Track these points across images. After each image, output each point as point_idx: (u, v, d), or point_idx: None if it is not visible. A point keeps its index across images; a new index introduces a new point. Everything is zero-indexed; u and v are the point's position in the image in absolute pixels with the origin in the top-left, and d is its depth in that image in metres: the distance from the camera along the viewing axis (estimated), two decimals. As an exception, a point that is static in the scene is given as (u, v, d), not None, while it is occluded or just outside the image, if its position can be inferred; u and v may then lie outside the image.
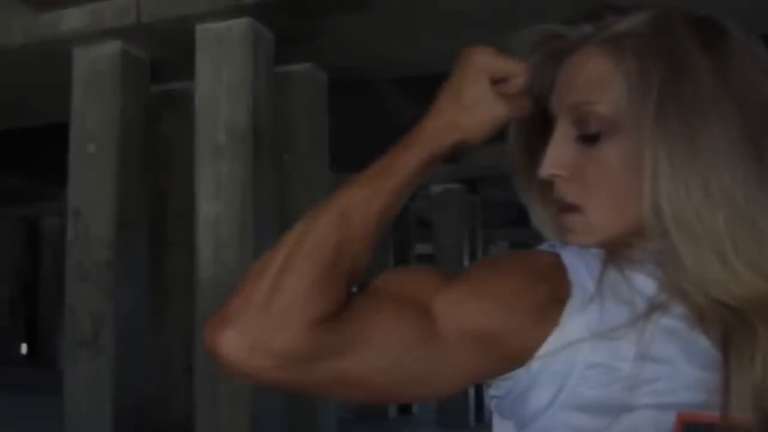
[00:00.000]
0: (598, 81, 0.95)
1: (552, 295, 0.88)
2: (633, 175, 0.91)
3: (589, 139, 0.95)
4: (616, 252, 0.93)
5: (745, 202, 0.87)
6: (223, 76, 5.65)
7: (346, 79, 6.94)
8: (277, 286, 0.82)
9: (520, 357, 0.89)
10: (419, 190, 12.06)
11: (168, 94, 6.80)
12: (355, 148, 7.87)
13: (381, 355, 0.85)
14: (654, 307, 0.88)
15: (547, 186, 1.03)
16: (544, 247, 0.98)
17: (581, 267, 0.91)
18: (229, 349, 0.81)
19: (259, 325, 0.81)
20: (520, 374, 0.90)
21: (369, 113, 8.49)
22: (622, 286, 0.89)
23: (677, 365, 0.87)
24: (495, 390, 0.95)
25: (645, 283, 0.90)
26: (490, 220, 13.80)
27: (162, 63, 6.37)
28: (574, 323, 0.87)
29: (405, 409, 12.77)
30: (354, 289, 0.90)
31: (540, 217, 1.09)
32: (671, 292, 0.89)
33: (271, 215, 5.77)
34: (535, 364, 0.88)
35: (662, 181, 0.88)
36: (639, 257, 0.91)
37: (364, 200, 0.89)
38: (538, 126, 1.06)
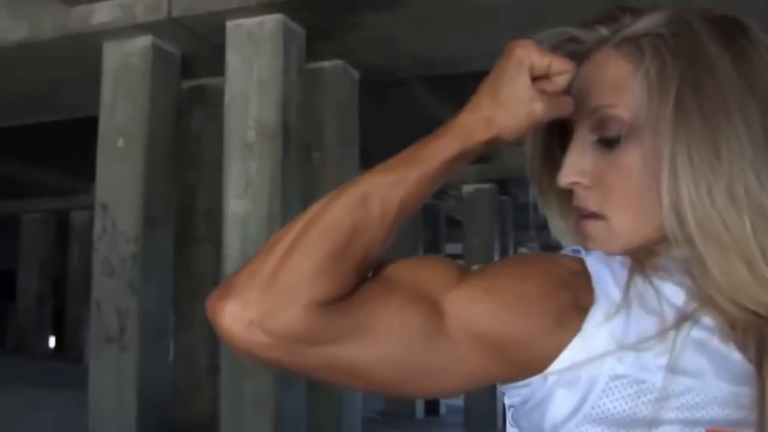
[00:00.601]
0: (616, 84, 0.93)
1: (574, 303, 0.85)
2: (654, 180, 0.89)
3: (609, 144, 0.93)
4: (641, 260, 0.90)
5: None
6: (253, 72, 5.65)
7: (377, 77, 6.93)
8: (284, 263, 0.81)
9: (535, 365, 0.86)
10: (450, 189, 12.05)
11: (198, 90, 6.82)
12: (384, 146, 7.93)
13: (383, 346, 0.84)
14: (683, 318, 0.84)
15: (566, 194, 1.01)
16: (567, 251, 0.95)
17: (606, 274, 0.88)
18: (228, 320, 0.80)
19: (261, 302, 0.80)
20: (537, 383, 0.87)
21: (398, 112, 8.48)
22: (650, 296, 0.85)
23: (708, 379, 0.83)
24: (510, 398, 0.93)
25: (674, 293, 0.86)
26: (520, 222, 13.75)
27: (193, 58, 6.38)
28: (598, 333, 0.84)
29: (432, 410, 12.78)
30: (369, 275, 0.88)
31: (560, 227, 1.07)
32: (700, 301, 0.86)
33: (299, 213, 5.67)
34: (553, 374, 0.86)
35: (682, 184, 0.85)
36: (665, 265, 0.88)
37: (387, 186, 0.87)
38: (556, 133, 1.04)
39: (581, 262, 0.90)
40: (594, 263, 0.89)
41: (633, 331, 0.83)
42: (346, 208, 0.85)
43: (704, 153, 0.85)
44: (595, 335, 0.84)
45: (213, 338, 6.05)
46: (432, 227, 12.90)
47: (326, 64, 6.50)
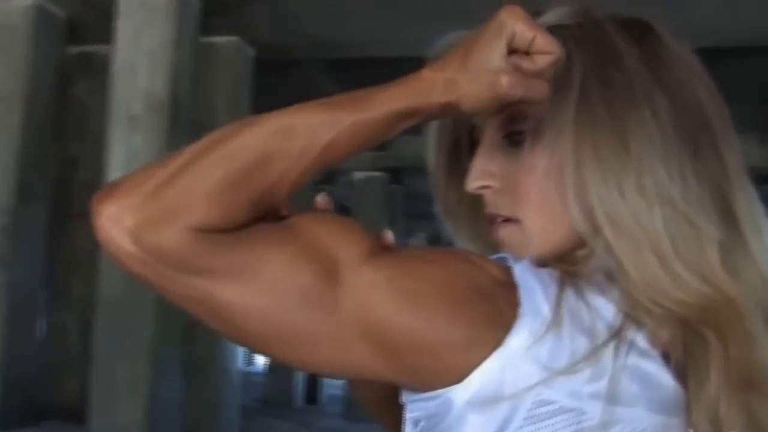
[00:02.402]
0: None
1: (493, 316, 0.78)
2: (562, 177, 0.85)
3: (518, 143, 0.90)
4: (569, 271, 0.84)
5: (682, 198, 0.82)
6: (143, 41, 5.51)
7: (274, 56, 6.88)
8: (175, 176, 0.75)
9: (437, 378, 0.78)
10: (340, 175, 12.01)
11: (85, 57, 6.69)
12: None
13: (261, 296, 0.76)
14: (614, 334, 0.79)
15: (475, 203, 0.97)
16: (493, 257, 0.87)
17: (536, 287, 0.80)
18: (104, 223, 0.75)
19: (140, 210, 0.74)
20: (444, 402, 0.78)
21: (294, 93, 8.27)
22: (582, 312, 0.79)
23: (639, 410, 0.79)
24: (412, 411, 0.83)
25: (604, 306, 0.81)
26: (412, 212, 13.81)
27: (80, 23, 6.24)
28: (521, 352, 0.76)
29: (311, 398, 12.91)
30: None
31: (470, 236, 1.02)
32: (628, 308, 0.81)
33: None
34: (465, 393, 0.77)
35: (588, 179, 0.82)
36: (593, 276, 0.83)
37: (317, 123, 0.79)
38: (461, 142, 1.00)
39: (508, 270, 0.82)
40: (522, 274, 0.82)
41: (565, 353, 0.76)
42: (262, 134, 0.77)
43: (611, 146, 0.82)
44: (518, 355, 0.76)
45: (87, 317, 5.88)
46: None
47: (221, 39, 6.43)
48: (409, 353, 0.78)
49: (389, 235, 0.86)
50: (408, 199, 13.19)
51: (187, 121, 5.63)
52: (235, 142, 0.77)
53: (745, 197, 0.87)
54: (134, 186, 0.75)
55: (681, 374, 0.81)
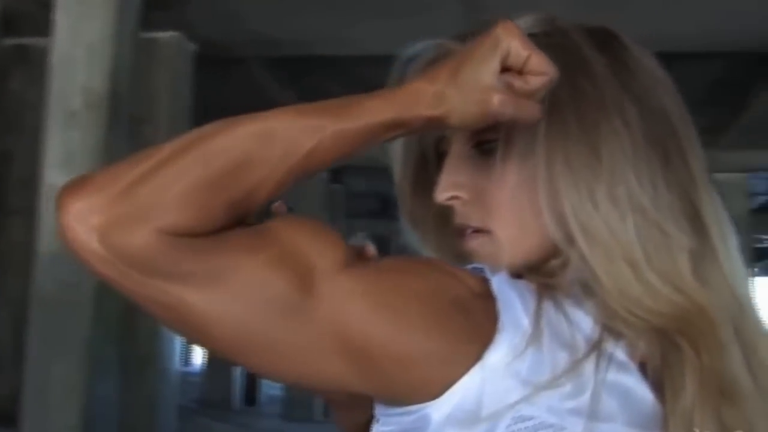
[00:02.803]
0: None
1: (473, 329, 0.76)
2: (534, 188, 0.85)
3: (488, 152, 0.89)
4: (546, 283, 0.83)
5: (654, 207, 0.82)
6: (82, 35, 5.39)
7: (215, 53, 6.79)
8: (149, 176, 0.72)
9: (414, 393, 0.76)
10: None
11: (21, 49, 6.56)
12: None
13: (232, 304, 0.74)
14: (593, 347, 0.78)
15: (442, 213, 0.95)
16: (468, 268, 0.85)
17: (515, 300, 0.79)
18: (71, 220, 0.71)
19: (109, 209, 0.71)
20: (420, 417, 0.77)
21: (235, 91, 8.30)
22: (562, 325, 0.79)
23: (617, 425, 0.77)
24: (384, 425, 0.82)
25: (582, 319, 0.80)
26: (352, 211, 13.85)
27: (16, 14, 6.13)
28: (501, 367, 0.75)
29: (250, 399, 12.77)
30: None
31: (438, 248, 1.01)
32: (605, 319, 0.80)
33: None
34: (443, 409, 0.75)
35: (562, 189, 0.82)
36: (569, 289, 0.82)
37: (300, 129, 0.76)
38: (427, 151, 0.99)
39: (485, 282, 0.81)
40: (501, 286, 0.80)
41: (546, 367, 0.75)
42: (241, 137, 0.74)
43: (583, 155, 0.82)
44: (497, 370, 0.75)
45: (20, 316, 5.75)
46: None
47: (162, 34, 6.34)
48: (386, 367, 0.76)
49: (370, 248, 0.85)
50: (349, 199, 13.23)
51: (126, 117, 5.53)
52: (213, 144, 0.74)
53: (711, 203, 0.87)
54: (104, 183, 0.72)
55: (658, 385, 0.80)
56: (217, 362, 12.31)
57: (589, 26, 0.91)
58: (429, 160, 0.99)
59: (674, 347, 0.81)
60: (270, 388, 13.85)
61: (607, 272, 0.80)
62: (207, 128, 0.75)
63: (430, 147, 0.98)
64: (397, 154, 1.00)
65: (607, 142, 0.83)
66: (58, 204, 0.72)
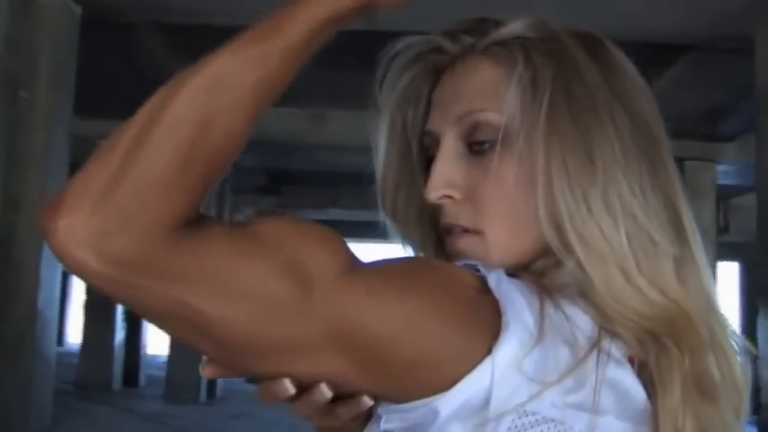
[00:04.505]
0: (487, 88, 0.93)
1: (481, 324, 0.79)
2: (530, 189, 0.88)
3: (481, 153, 0.92)
4: (541, 282, 0.87)
5: (643, 213, 0.86)
6: None
7: (102, 17, 6.54)
8: (119, 175, 0.71)
9: (423, 389, 0.78)
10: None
11: None
12: (102, 93, 7.92)
13: (238, 307, 0.73)
14: (593, 345, 0.81)
15: (423, 209, 1.00)
16: (460, 264, 0.88)
17: (517, 297, 0.81)
18: (60, 240, 0.70)
19: (94, 219, 0.70)
20: (427, 412, 0.78)
21: (123, 57, 8.15)
22: (563, 323, 0.81)
23: (609, 417, 0.80)
24: (388, 422, 0.83)
25: (579, 318, 0.83)
26: (239, 186, 13.76)
27: None
28: (509, 363, 0.77)
29: (130, 381, 12.59)
30: None
31: (420, 244, 1.03)
32: (601, 322, 0.84)
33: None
34: (451, 403, 0.77)
35: (558, 192, 0.85)
36: (564, 289, 0.86)
37: (242, 65, 0.76)
38: (411, 147, 1.03)
39: (482, 279, 0.83)
40: (500, 283, 0.83)
41: (550, 364, 0.78)
42: (192, 98, 0.73)
43: (578, 159, 0.86)
44: (505, 366, 0.77)
45: None
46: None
47: None
48: (396, 366, 0.78)
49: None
50: (236, 173, 13.14)
51: (6, 83, 5.36)
52: (169, 117, 0.72)
53: (688, 209, 0.91)
54: (79, 194, 0.70)
55: (647, 383, 0.84)
56: (94, 340, 11.96)
57: (577, 31, 0.95)
58: (412, 155, 1.02)
59: (662, 348, 0.84)
60: (151, 368, 13.58)
61: (600, 277, 0.84)
62: (153, 102, 0.74)
63: (414, 141, 1.01)
64: (380, 146, 1.02)
65: (600, 147, 0.86)
66: (42, 230, 0.71)
